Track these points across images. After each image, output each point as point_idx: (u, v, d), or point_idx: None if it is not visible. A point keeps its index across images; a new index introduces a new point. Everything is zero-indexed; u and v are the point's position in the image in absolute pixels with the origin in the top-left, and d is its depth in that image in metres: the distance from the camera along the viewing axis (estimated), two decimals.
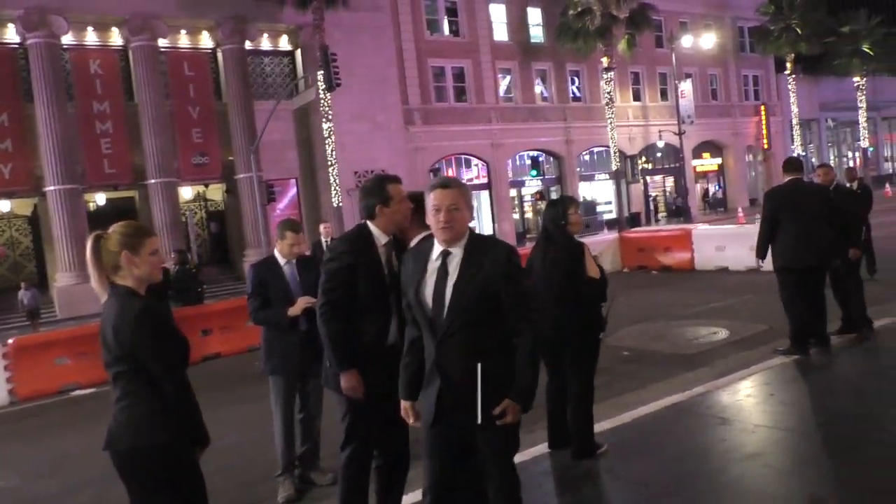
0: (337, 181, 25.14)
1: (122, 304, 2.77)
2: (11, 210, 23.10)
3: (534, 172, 33.79)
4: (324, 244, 10.83)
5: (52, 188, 21.42)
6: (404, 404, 3.03)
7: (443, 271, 2.85)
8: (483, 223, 31.97)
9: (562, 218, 4.63)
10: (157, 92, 23.03)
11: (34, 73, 21.21)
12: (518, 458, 4.60)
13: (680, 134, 32.95)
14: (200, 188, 26.06)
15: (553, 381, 4.74)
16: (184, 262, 14.00)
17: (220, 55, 25.02)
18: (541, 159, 33.99)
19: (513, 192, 32.77)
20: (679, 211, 35.48)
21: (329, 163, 25.07)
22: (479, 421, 2.75)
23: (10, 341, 10.05)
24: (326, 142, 24.99)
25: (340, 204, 25.11)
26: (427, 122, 29.41)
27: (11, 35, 21.58)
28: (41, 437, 7.63)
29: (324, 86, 22.62)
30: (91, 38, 23.15)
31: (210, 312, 11.64)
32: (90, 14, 22.21)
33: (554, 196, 33.21)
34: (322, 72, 22.25)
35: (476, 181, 31.81)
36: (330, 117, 24.82)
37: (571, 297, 4.48)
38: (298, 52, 26.78)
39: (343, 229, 21.68)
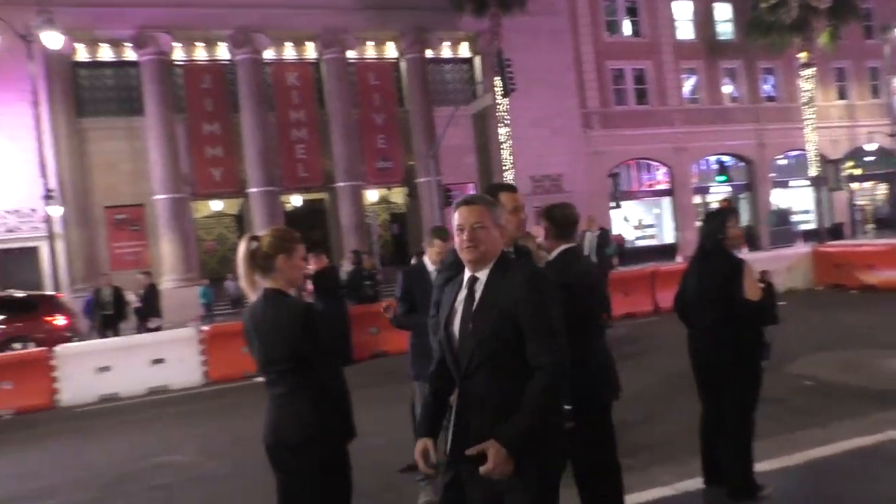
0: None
1: (282, 306, 2.91)
2: (221, 209, 25.66)
3: (721, 178, 31.70)
4: None
5: (254, 190, 23.52)
6: (421, 443, 2.61)
7: (470, 299, 2.53)
8: (664, 231, 30.63)
9: (719, 231, 4.24)
10: (345, 101, 24.52)
11: (241, 87, 23.43)
12: (666, 492, 4.34)
13: (895, 135, 29.40)
14: (384, 191, 27.32)
15: (706, 409, 4.36)
16: (358, 262, 14.74)
17: (402, 64, 26.10)
18: (729, 164, 31.90)
19: (697, 199, 30.98)
20: (891, 222, 31.64)
21: (505, 167, 25.26)
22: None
23: (207, 328, 11.18)
24: (503, 146, 25.21)
25: None
26: (606, 125, 28.69)
27: (223, 53, 24.04)
28: (223, 417, 8.34)
29: (500, 91, 22.83)
30: (289, 52, 25.17)
31: (379, 311, 12.09)
32: (288, 31, 24.09)
33: (744, 203, 31.14)
34: (498, 77, 22.48)
35: (657, 187, 30.56)
36: (507, 122, 25.01)
37: (725, 318, 4.08)
38: (477, 59, 27.27)
39: None
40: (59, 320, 13.57)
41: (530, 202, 25.63)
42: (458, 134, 25.34)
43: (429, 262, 4.91)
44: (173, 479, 6.05)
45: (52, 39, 17.60)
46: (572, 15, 28.10)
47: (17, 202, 20.81)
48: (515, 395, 2.37)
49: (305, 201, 26.03)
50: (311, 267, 9.41)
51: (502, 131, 25.13)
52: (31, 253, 20.97)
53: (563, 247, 3.64)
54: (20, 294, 14.57)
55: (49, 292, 16.01)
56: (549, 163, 26.56)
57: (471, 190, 27.13)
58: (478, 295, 2.50)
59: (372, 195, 26.71)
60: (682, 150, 29.87)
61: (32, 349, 11.70)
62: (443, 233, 4.97)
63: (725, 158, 31.58)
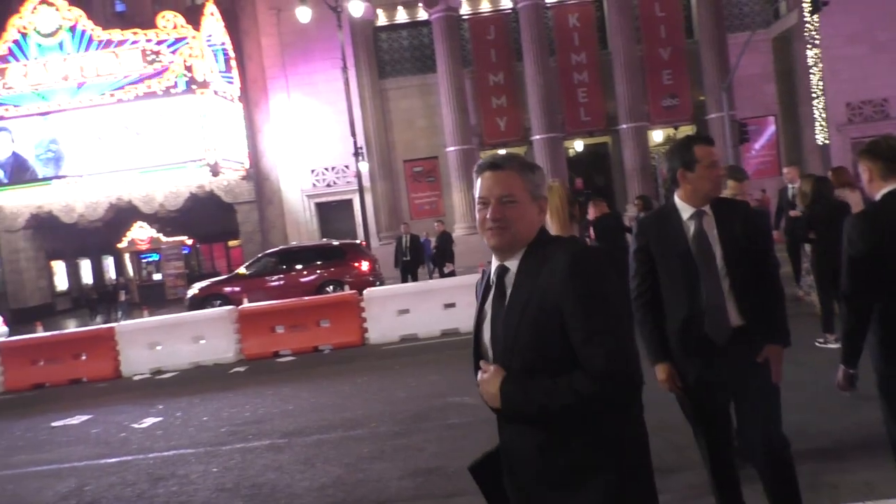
0: (823, 115, 22.25)
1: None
2: None
3: None
4: (789, 191, 9.65)
5: (537, 137, 23.75)
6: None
7: (500, 298, 1.89)
8: None
9: None
10: (628, 37, 23.42)
11: (523, 34, 23.56)
12: None
13: None
14: (670, 131, 25.83)
15: None
16: (647, 207, 14.09)
17: None
18: None
19: None
20: None
21: (814, 95, 22.29)
22: None
23: None
24: (811, 71, 22.24)
25: (826, 142, 22.16)
26: None
27: (504, 2, 24.36)
28: None
29: (809, 7, 19.95)
30: None
31: None
32: None
33: None
34: None
35: None
36: (816, 42, 21.91)
37: None
38: None
39: (824, 171, 19.20)
40: (364, 266, 15.16)
41: (847, 133, 22.39)
42: (756, 61, 22.87)
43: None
44: (465, 419, 6.36)
45: (357, 7, 19.46)
46: None
47: (333, 160, 23.63)
48: (563, 432, 1.79)
49: (587, 146, 25.69)
50: (591, 215, 9.13)
51: (811, 53, 22.09)
52: (346, 205, 23.74)
53: (891, 187, 2.95)
54: (335, 242, 16.57)
55: (355, 241, 17.98)
56: (870, 86, 22.77)
57: (770, 124, 24.49)
58: (509, 292, 1.87)
59: (657, 136, 25.41)
60: None
61: (346, 292, 13.26)
62: (738, 173, 4.43)
63: None
